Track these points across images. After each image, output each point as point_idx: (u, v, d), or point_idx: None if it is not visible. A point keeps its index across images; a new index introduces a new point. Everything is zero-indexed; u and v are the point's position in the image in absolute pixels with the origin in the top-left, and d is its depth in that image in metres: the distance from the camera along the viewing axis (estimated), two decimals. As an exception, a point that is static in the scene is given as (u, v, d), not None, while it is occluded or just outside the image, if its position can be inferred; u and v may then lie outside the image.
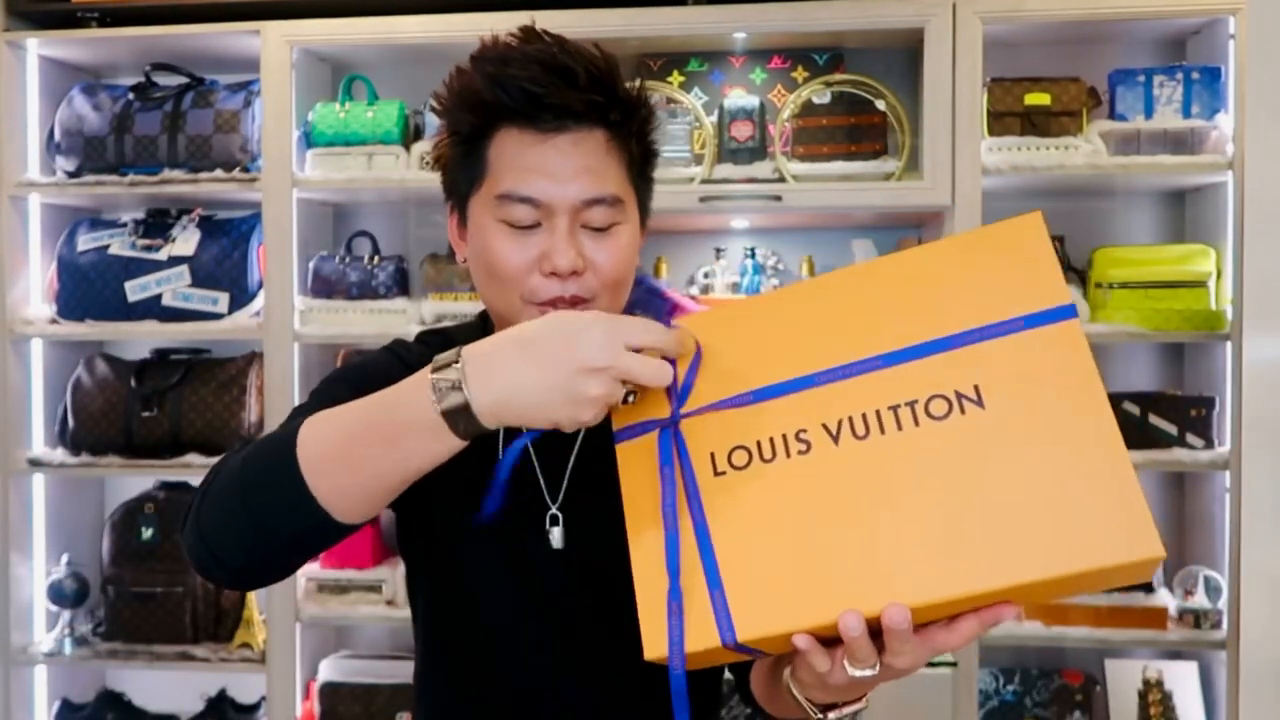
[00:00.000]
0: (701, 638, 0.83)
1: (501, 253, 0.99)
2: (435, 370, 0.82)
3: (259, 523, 0.86)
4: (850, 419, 0.83)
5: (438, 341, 1.11)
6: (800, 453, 0.84)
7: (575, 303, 0.99)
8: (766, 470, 0.84)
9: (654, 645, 0.83)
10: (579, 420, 0.82)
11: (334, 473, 0.84)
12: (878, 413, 0.82)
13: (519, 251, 0.98)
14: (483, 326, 1.13)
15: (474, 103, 1.00)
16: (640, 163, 1.05)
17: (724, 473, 0.86)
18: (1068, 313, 0.81)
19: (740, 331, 0.90)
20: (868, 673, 0.80)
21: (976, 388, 0.81)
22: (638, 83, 1.05)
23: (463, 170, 1.03)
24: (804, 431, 0.84)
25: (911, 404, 0.82)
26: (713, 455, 0.87)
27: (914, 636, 0.79)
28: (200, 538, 0.89)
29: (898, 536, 0.79)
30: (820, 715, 0.89)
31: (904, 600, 0.77)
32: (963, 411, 0.81)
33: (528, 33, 1.01)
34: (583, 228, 0.99)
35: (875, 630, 0.78)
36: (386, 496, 0.87)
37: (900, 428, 0.82)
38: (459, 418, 0.81)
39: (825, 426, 0.83)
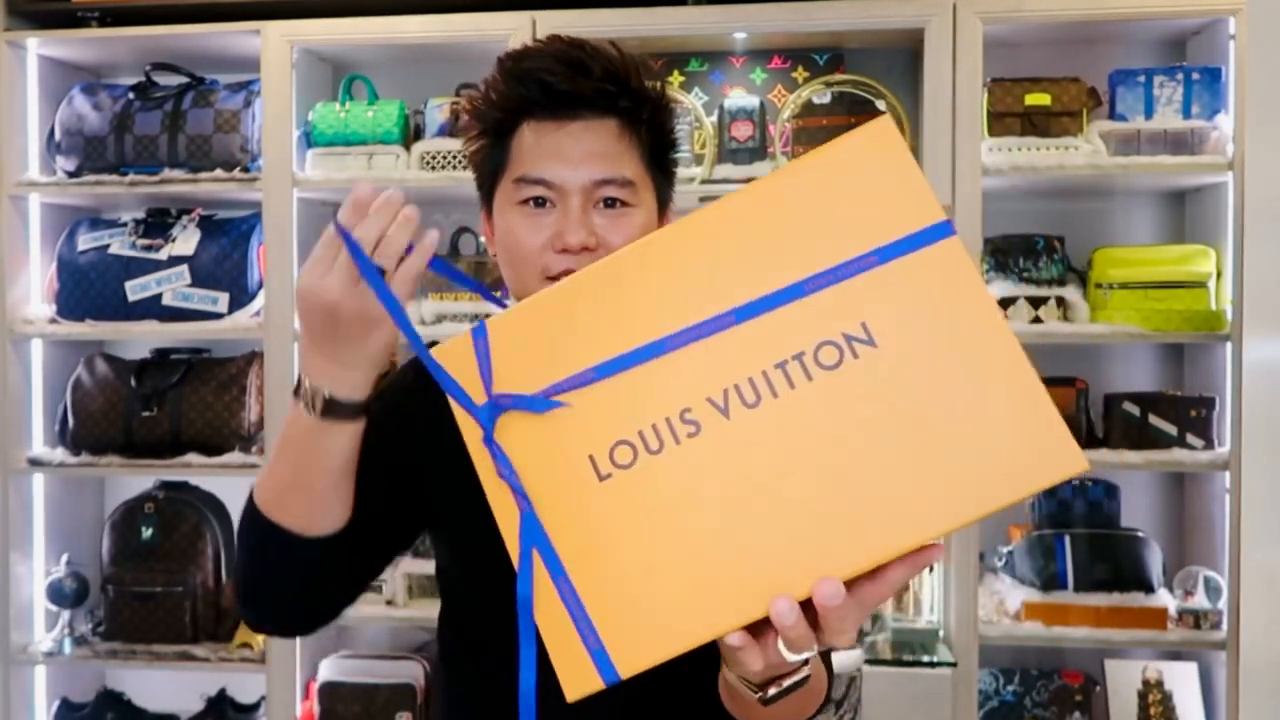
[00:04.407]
0: (584, 681, 0.75)
1: (519, 232, 1.05)
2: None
3: (263, 573, 1.00)
4: (737, 387, 0.74)
5: None
6: (690, 435, 0.75)
7: None
8: (656, 463, 0.75)
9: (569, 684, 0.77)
10: (339, 323, 0.86)
11: (280, 496, 0.96)
12: (765, 374, 0.74)
13: (535, 231, 1.05)
14: None
15: (498, 98, 1.06)
16: (655, 151, 1.10)
17: (609, 475, 0.76)
18: (944, 231, 0.74)
19: (566, 311, 0.80)
20: (808, 654, 0.76)
21: (864, 325, 0.73)
22: (658, 83, 1.10)
23: (489, 163, 1.09)
24: (689, 411, 0.75)
25: (799, 357, 0.74)
26: (592, 458, 0.77)
27: (848, 600, 0.73)
28: (243, 603, 1.05)
29: (816, 506, 0.72)
30: (759, 693, 0.84)
31: (835, 573, 0.71)
32: (855, 355, 0.73)
33: (552, 38, 1.07)
34: (596, 208, 1.05)
35: (804, 604, 0.73)
36: (323, 499, 0.95)
37: (793, 386, 0.73)
38: (303, 396, 0.91)
39: (711, 400, 0.74)
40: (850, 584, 0.73)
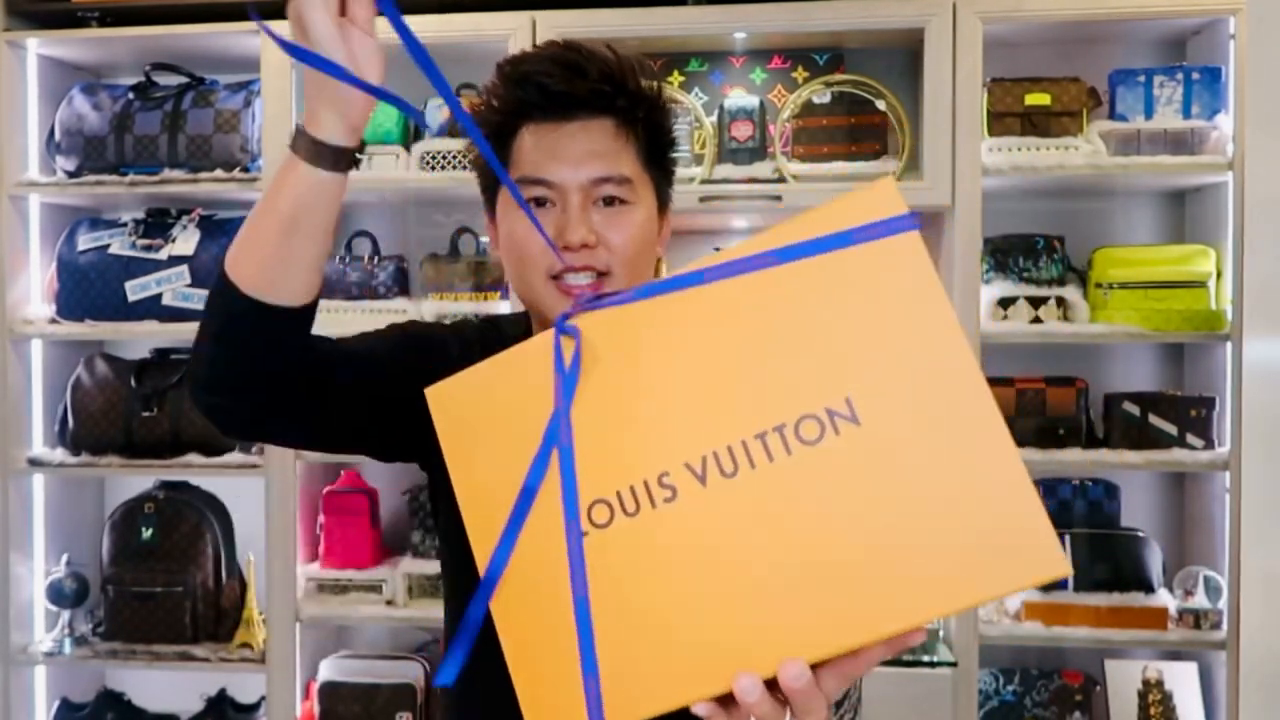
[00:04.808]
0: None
1: (522, 232, 1.06)
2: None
3: (217, 340, 0.94)
4: (715, 455, 0.74)
5: (493, 329, 1.20)
6: (666, 500, 0.75)
7: (590, 272, 1.06)
8: (631, 526, 0.75)
9: None
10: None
11: (241, 239, 0.92)
12: (744, 444, 0.73)
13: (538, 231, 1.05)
14: (529, 318, 1.19)
15: (498, 103, 1.09)
16: (652, 149, 1.11)
17: (586, 534, 0.76)
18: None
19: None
20: None
21: (849, 401, 0.72)
22: (654, 84, 1.11)
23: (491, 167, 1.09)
24: (666, 475, 0.75)
25: (780, 429, 0.73)
26: None
27: (825, 671, 0.73)
28: (191, 378, 0.98)
29: (786, 584, 0.71)
30: None
31: (801, 654, 0.70)
32: (837, 432, 0.72)
33: (549, 43, 1.10)
34: (596, 206, 1.07)
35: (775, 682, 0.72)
36: (274, 247, 0.90)
37: (771, 458, 0.73)
38: (297, 138, 0.90)
39: (689, 467, 0.74)
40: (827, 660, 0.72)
